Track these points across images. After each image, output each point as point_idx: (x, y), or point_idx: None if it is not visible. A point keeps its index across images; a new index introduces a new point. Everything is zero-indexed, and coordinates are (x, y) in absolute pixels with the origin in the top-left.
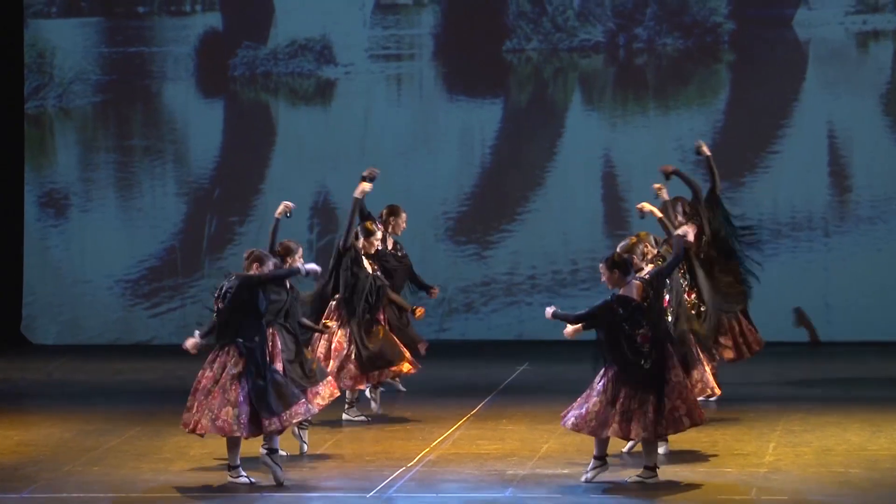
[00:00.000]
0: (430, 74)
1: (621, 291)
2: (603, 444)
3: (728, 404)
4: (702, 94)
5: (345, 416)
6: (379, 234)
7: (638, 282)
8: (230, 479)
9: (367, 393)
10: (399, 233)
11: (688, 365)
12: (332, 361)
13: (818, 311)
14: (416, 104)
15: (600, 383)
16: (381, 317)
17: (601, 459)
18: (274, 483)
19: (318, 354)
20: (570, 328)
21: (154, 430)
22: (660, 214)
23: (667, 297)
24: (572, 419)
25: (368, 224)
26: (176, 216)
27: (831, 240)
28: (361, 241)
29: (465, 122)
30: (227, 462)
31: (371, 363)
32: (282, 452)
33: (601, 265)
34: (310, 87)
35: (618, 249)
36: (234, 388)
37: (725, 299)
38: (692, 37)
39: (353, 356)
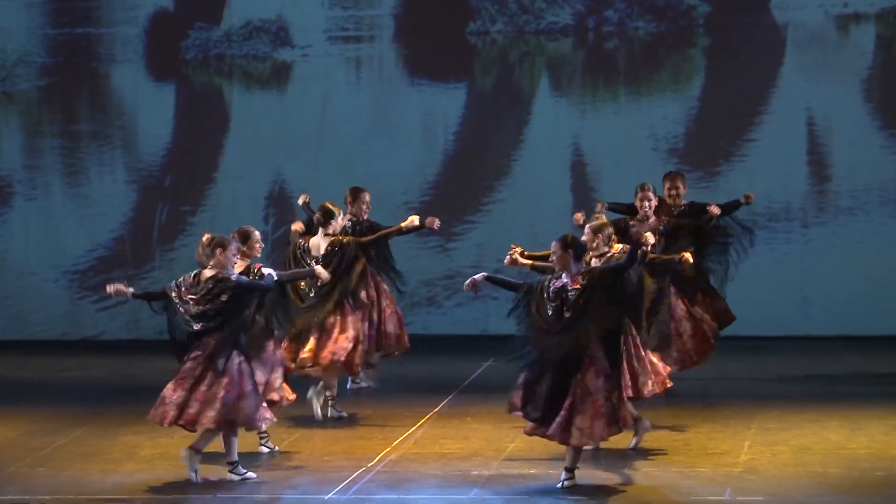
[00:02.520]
0: (391, 57)
1: (563, 275)
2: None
3: (701, 401)
4: (675, 80)
5: (331, 413)
6: (340, 216)
7: (583, 270)
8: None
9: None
10: (363, 216)
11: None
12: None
13: (795, 305)
14: (376, 88)
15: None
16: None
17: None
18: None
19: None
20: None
21: (102, 430)
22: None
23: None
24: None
25: (327, 204)
26: (125, 205)
27: (810, 231)
28: (323, 227)
29: (427, 108)
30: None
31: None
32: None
33: (554, 243)
34: (265, 71)
35: (587, 227)
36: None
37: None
38: (665, 20)
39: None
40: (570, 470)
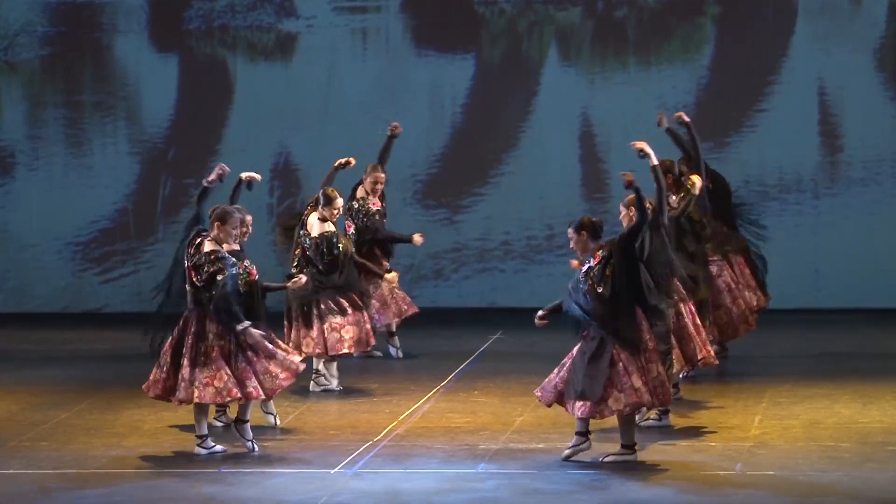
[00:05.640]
0: (398, 28)
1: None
2: (585, 419)
3: (712, 375)
4: (685, 50)
5: (312, 386)
6: (340, 201)
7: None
8: (199, 449)
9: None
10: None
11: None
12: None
13: (807, 277)
14: (382, 60)
15: (579, 354)
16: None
17: (584, 436)
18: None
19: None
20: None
21: (106, 403)
22: (655, 161)
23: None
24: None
25: (329, 190)
26: (128, 176)
27: (821, 202)
28: (321, 209)
29: (434, 80)
30: (194, 433)
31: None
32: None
33: (569, 230)
34: (269, 42)
35: (621, 203)
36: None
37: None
38: None
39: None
40: (630, 446)
